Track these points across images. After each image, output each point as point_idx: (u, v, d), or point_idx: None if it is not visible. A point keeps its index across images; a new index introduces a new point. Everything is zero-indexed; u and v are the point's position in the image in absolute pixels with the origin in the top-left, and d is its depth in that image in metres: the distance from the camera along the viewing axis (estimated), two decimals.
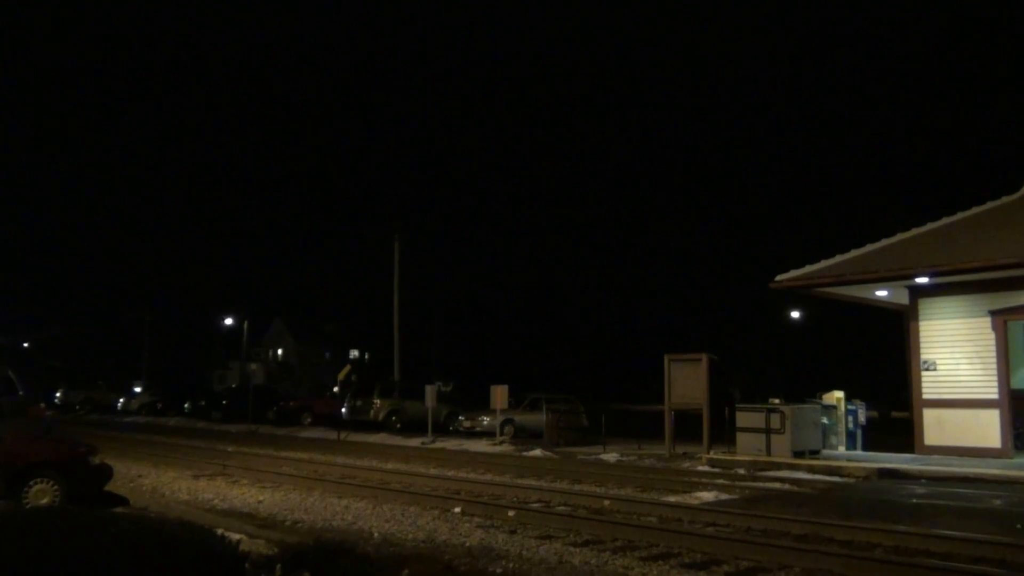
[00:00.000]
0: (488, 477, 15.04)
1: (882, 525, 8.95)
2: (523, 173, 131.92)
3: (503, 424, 26.08)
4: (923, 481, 13.75)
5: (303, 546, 6.94)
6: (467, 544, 8.46)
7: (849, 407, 18.95)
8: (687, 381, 18.38)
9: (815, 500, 11.68)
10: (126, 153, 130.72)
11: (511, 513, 10.17)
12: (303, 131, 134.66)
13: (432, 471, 15.97)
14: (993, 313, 16.76)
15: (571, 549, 8.22)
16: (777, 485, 13.55)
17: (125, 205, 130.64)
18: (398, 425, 30.17)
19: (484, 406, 26.53)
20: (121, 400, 49.38)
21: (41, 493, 9.53)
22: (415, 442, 24.04)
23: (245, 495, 12.32)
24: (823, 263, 18.05)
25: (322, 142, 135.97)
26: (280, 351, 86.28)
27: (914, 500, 11.71)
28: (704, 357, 18.25)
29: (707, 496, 12.03)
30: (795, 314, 53.33)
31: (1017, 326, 17.33)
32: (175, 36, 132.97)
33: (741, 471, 15.54)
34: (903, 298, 18.33)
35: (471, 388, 40.69)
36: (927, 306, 17.70)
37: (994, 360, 16.61)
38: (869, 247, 18.11)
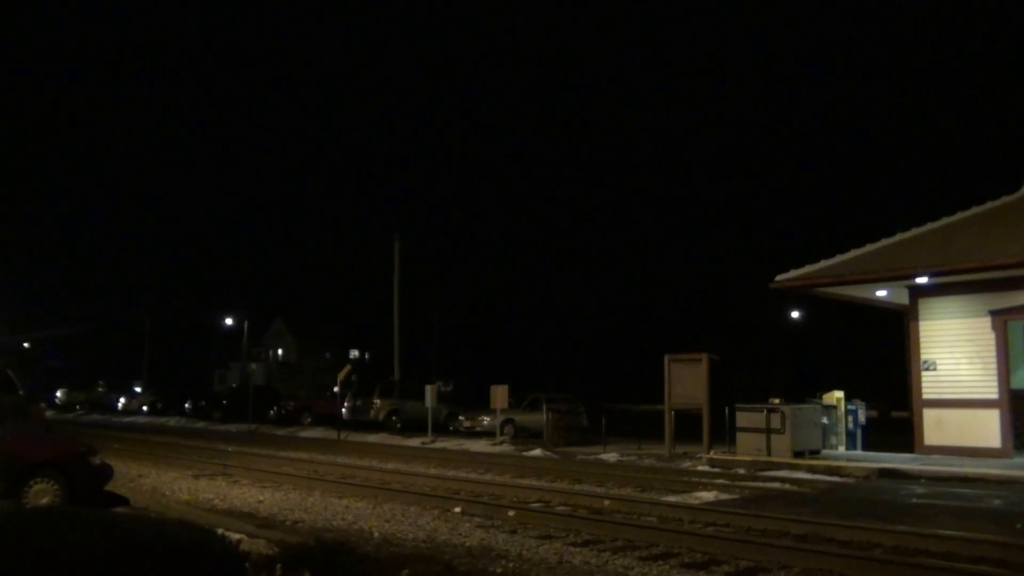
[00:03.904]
0: (488, 477, 15.05)
1: (882, 525, 8.96)
2: (523, 172, 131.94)
3: (503, 424, 26.09)
4: (923, 481, 13.75)
5: (303, 546, 6.94)
6: (467, 544, 8.46)
7: (849, 407, 18.96)
8: (687, 381, 18.38)
9: (815, 500, 11.69)
10: (126, 153, 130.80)
11: (511, 513, 10.17)
12: (303, 131, 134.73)
13: (432, 471, 15.98)
14: (993, 313, 16.76)
15: (571, 549, 8.22)
16: (777, 485, 13.55)
17: (125, 205, 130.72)
18: (398, 425, 30.18)
19: (484, 406, 26.53)
20: (121, 400, 49.49)
21: (41, 493, 9.52)
22: (415, 442, 24.05)
23: (245, 495, 12.33)
24: (823, 263, 18.06)
25: (322, 142, 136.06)
26: (280, 351, 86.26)
27: (914, 500, 11.71)
28: (704, 357, 18.25)
29: (707, 496, 12.04)
30: (795, 314, 53.34)
31: (1017, 326, 17.33)
32: (176, 36, 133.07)
33: (741, 471, 15.54)
34: (903, 298, 18.33)
35: (471, 388, 40.68)
36: (927, 306, 17.70)
37: (994, 360, 16.62)
38: (869, 247, 18.12)
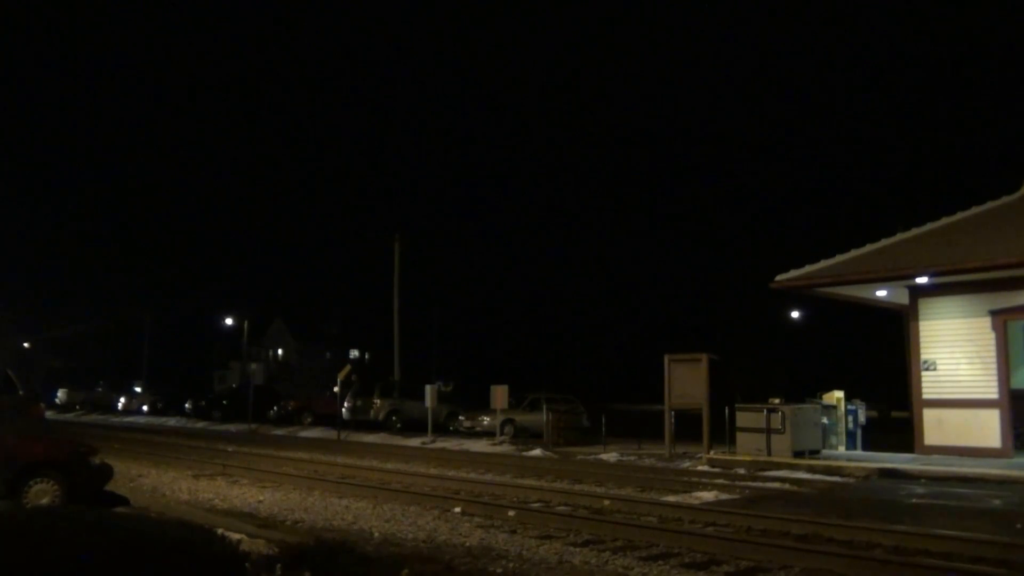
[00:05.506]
0: (488, 477, 15.04)
1: (882, 525, 8.96)
2: (523, 172, 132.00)
3: (503, 424, 26.09)
4: (923, 481, 13.75)
5: (303, 546, 6.94)
6: (467, 544, 8.46)
7: (849, 407, 18.95)
8: (687, 381, 18.37)
9: (815, 500, 11.69)
10: (127, 152, 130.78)
11: (511, 513, 10.17)
12: (303, 131, 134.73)
13: (432, 471, 15.97)
14: (993, 313, 16.76)
15: (571, 549, 8.22)
16: (777, 485, 13.55)
17: (126, 205, 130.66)
18: (398, 425, 30.18)
19: (484, 406, 26.53)
20: (121, 400, 49.51)
21: (41, 493, 9.52)
22: (415, 442, 24.04)
23: (245, 495, 12.33)
24: (823, 263, 18.05)
25: (323, 142, 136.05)
26: (280, 351, 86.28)
27: (914, 500, 11.71)
28: (704, 357, 18.24)
29: (707, 496, 12.04)
30: (795, 314, 53.33)
31: (1017, 326, 17.32)
32: (176, 36, 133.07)
33: (741, 471, 15.54)
34: (903, 298, 18.32)
35: (471, 388, 40.69)
36: (927, 306, 17.70)
37: (994, 360, 16.61)
38: (869, 247, 18.11)
